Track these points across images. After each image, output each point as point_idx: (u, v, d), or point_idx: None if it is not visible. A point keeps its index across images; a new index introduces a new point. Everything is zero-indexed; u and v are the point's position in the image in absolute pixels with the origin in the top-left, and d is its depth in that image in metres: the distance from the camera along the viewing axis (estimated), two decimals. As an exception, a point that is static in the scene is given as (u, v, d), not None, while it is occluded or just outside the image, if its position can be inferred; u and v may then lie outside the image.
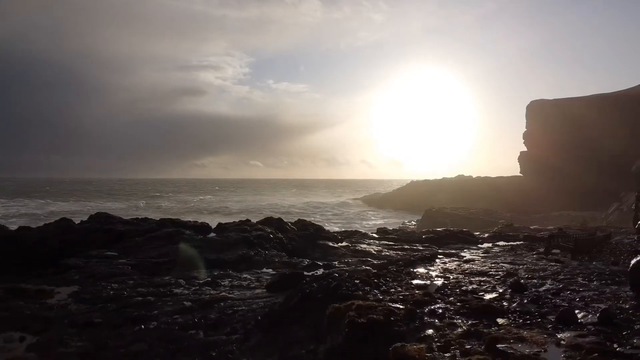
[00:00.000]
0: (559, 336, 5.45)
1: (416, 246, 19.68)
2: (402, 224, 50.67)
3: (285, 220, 22.24)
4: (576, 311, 6.41)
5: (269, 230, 19.53)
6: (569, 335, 5.50)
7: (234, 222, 21.24)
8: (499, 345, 5.00)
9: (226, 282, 11.82)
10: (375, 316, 5.64)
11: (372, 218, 64.95)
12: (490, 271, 9.41)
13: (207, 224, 21.09)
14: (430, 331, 5.57)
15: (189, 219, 23.54)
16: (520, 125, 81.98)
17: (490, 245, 18.83)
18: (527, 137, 76.93)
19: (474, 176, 78.17)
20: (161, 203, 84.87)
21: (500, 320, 6.16)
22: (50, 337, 8.39)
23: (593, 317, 6.14)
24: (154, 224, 21.15)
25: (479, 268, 10.28)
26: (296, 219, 24.48)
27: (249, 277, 12.65)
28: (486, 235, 23.18)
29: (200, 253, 15.34)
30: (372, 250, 18.75)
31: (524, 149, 76.55)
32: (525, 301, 7.14)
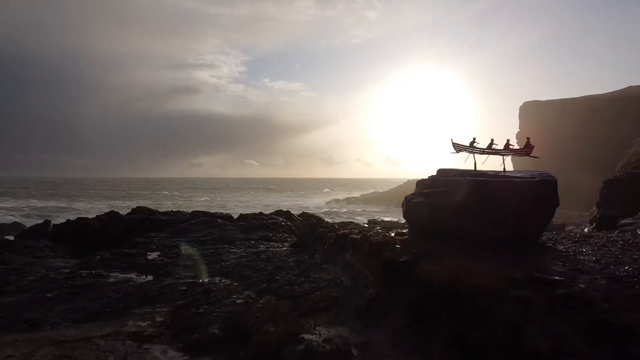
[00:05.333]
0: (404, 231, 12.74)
1: (397, 232, 26.20)
2: (397, 220, 57.04)
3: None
4: None
5: (281, 219, 26.13)
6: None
7: (252, 213, 27.80)
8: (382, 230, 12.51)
9: (262, 246, 18.53)
10: (345, 232, 13.36)
11: (368, 214, 71.49)
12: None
13: (231, 214, 27.68)
14: (366, 234, 12.69)
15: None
16: (514, 125, 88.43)
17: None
18: (520, 137, 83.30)
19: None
20: (168, 202, 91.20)
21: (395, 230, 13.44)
22: (166, 272, 14.93)
23: None
24: (188, 215, 27.74)
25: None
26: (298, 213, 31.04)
27: (274, 244, 19.35)
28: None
29: (233, 234, 21.91)
30: (362, 234, 25.25)
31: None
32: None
